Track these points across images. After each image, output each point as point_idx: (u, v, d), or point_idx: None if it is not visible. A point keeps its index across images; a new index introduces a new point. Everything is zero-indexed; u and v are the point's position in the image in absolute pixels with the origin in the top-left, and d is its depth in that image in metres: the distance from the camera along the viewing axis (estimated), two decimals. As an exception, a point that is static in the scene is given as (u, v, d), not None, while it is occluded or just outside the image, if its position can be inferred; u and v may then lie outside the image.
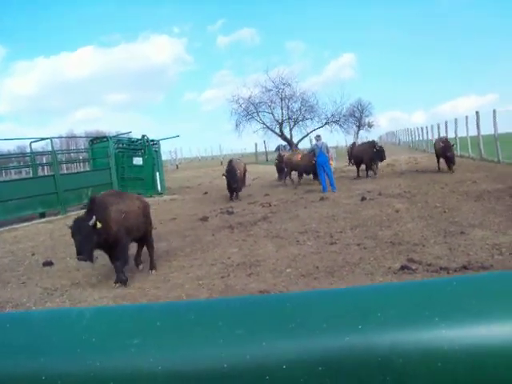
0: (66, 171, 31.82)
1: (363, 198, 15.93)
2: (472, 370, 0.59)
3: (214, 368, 0.60)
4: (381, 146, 25.14)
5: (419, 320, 0.61)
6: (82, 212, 19.81)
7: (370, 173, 24.24)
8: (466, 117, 29.44)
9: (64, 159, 32.28)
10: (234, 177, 19.93)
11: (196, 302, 0.74)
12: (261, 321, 0.63)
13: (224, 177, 20.35)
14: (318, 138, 21.29)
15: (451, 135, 33.68)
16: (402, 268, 8.04)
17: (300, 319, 0.62)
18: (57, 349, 0.66)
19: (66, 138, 69.87)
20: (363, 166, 24.67)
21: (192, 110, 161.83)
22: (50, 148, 23.05)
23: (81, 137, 65.04)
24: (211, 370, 0.60)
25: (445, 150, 22.18)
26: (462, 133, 31.25)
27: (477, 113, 26.25)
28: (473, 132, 27.87)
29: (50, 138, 22.89)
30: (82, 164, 39.14)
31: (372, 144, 25.43)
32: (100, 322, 0.69)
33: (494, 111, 23.98)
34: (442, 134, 37.04)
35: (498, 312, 0.61)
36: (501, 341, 0.59)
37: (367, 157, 24.28)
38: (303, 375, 0.58)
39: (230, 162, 21.14)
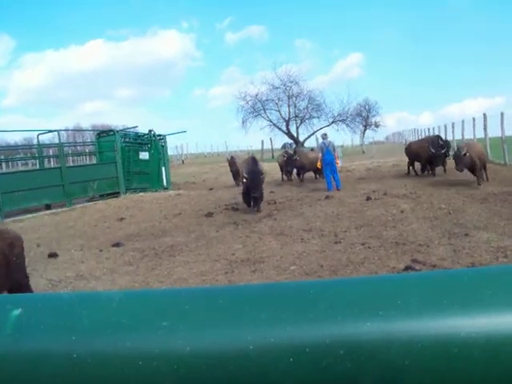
0: (72, 164, 31.90)
1: (368, 198, 15.92)
2: (487, 356, 0.61)
3: (240, 349, 0.63)
4: (443, 143, 21.75)
5: (437, 308, 0.63)
6: (88, 205, 19.94)
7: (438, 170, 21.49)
8: (473, 119, 29.28)
9: (70, 152, 32.30)
10: (258, 182, 15.14)
11: (223, 288, 0.77)
12: (285, 306, 0.66)
13: (244, 180, 15.62)
14: (324, 136, 21.11)
15: (458, 137, 33.60)
16: (406, 268, 8.05)
17: (323, 305, 0.65)
18: (87, 329, 0.69)
19: (72, 130, 70.09)
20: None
21: (199, 106, 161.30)
22: (57, 140, 23.15)
23: (88, 130, 65.19)
24: (237, 351, 0.63)
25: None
26: (468, 135, 31.13)
27: (484, 115, 26.12)
28: (480, 134, 27.77)
29: (58, 131, 23.00)
30: (88, 157, 39.36)
31: (431, 140, 22.12)
32: (130, 304, 0.72)
33: (502, 114, 23.92)
34: (449, 136, 36.99)
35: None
36: None
37: (425, 155, 21.56)
38: (325, 358, 0.61)
39: (253, 159, 16.41)
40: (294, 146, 59.02)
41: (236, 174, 24.89)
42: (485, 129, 26.05)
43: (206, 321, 0.67)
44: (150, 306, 0.72)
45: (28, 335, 0.70)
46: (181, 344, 0.65)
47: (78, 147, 39.93)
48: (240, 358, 0.63)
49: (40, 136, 22.87)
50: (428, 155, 21.34)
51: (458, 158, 17.44)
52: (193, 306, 0.70)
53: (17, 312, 0.71)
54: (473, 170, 17.43)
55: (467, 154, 17.05)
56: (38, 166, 24.05)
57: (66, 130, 62.25)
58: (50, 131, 24.54)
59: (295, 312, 0.65)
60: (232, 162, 25.38)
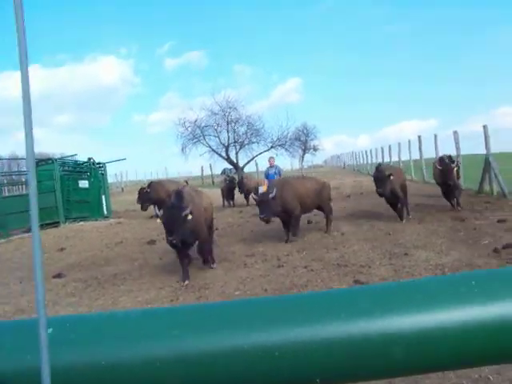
0: (7, 194, 31.10)
1: (309, 221, 16.10)
2: (418, 343, 0.75)
3: (236, 347, 0.74)
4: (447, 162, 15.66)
5: (380, 311, 0.77)
6: (26, 236, 19.45)
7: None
8: (409, 141, 30.45)
9: (6, 181, 31.48)
10: (175, 222, 9.89)
11: (225, 303, 0.90)
12: (272, 315, 0.78)
13: (158, 220, 10.60)
14: (271, 159, 20.70)
15: (395, 159, 34.58)
16: (349, 289, 8.21)
17: (299, 312, 0.77)
18: (113, 340, 0.80)
19: (8, 159, 68.25)
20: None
21: (139, 133, 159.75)
22: (-10, 170, 22.63)
23: (23, 158, 63.61)
24: (232, 350, 0.74)
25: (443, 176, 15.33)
26: (405, 156, 32.14)
27: (419, 137, 27.31)
28: (415, 155, 28.71)
29: (-8, 160, 22.50)
30: (24, 186, 38.49)
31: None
32: (143, 319, 0.84)
33: (435, 136, 24.98)
34: (386, 158, 37.92)
35: (434, 304, 0.78)
36: (436, 322, 0.77)
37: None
38: (303, 350, 0.74)
39: (178, 193, 10.61)
40: (233, 171, 59.25)
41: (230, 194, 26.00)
42: (420, 150, 27.04)
43: (207, 329, 0.78)
44: (160, 319, 0.83)
45: (61, 349, 0.81)
46: (190, 348, 0.76)
47: (14, 176, 38.83)
48: (236, 354, 0.74)
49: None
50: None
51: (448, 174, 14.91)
52: (196, 318, 0.81)
53: (48, 331, 0.81)
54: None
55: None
56: (-29, 198, 23.28)
57: (1, 159, 60.70)
58: (-17, 160, 23.97)
59: (280, 319, 0.76)
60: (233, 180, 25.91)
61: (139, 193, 24.02)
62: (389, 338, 0.75)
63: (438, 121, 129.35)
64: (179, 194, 10.60)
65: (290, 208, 13.51)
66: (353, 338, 0.75)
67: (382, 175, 14.57)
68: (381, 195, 14.80)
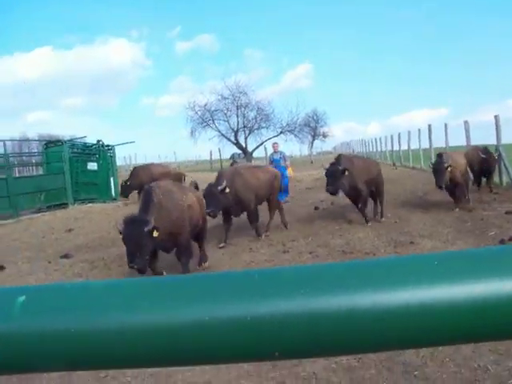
0: (18, 174, 31.25)
1: (316, 208, 16.14)
2: (379, 321, 0.80)
3: (237, 319, 0.80)
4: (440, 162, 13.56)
5: (341, 287, 0.82)
6: (35, 216, 19.52)
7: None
8: (419, 130, 30.30)
9: (16, 162, 31.62)
10: (135, 239, 8.07)
11: (195, 276, 0.96)
12: (237, 289, 0.84)
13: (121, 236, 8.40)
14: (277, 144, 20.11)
15: (404, 147, 34.47)
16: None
17: (264, 287, 0.83)
18: (82, 309, 0.85)
19: (19, 140, 68.35)
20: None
21: (148, 116, 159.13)
22: (2, 151, 22.68)
23: (34, 140, 63.62)
24: (232, 321, 0.80)
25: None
26: (414, 145, 32.02)
27: (429, 126, 27.07)
28: (425, 144, 28.57)
29: (3, 141, 22.59)
30: (34, 168, 38.67)
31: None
32: (114, 289, 0.90)
33: (446, 125, 24.80)
34: (395, 146, 37.80)
35: (395, 283, 0.82)
36: (398, 301, 0.80)
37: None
38: (292, 321, 0.79)
39: (146, 196, 8.77)
40: (242, 156, 59.21)
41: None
42: (430, 139, 26.88)
43: (174, 301, 0.83)
44: (134, 290, 0.88)
45: (33, 316, 0.85)
46: (158, 319, 0.81)
47: (24, 157, 38.98)
48: (235, 325, 0.80)
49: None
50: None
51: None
52: (164, 291, 0.86)
53: (22, 299, 0.86)
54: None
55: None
56: (-19, 178, 23.44)
57: (12, 140, 60.88)
58: (-5, 140, 24.07)
59: (274, 292, 0.82)
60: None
61: (121, 186, 23.59)
62: (347, 316, 0.78)
63: (449, 110, 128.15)
64: (147, 198, 8.69)
65: (244, 201, 12.31)
66: (312, 314, 0.79)
67: (334, 170, 12.60)
68: (332, 194, 13.16)
